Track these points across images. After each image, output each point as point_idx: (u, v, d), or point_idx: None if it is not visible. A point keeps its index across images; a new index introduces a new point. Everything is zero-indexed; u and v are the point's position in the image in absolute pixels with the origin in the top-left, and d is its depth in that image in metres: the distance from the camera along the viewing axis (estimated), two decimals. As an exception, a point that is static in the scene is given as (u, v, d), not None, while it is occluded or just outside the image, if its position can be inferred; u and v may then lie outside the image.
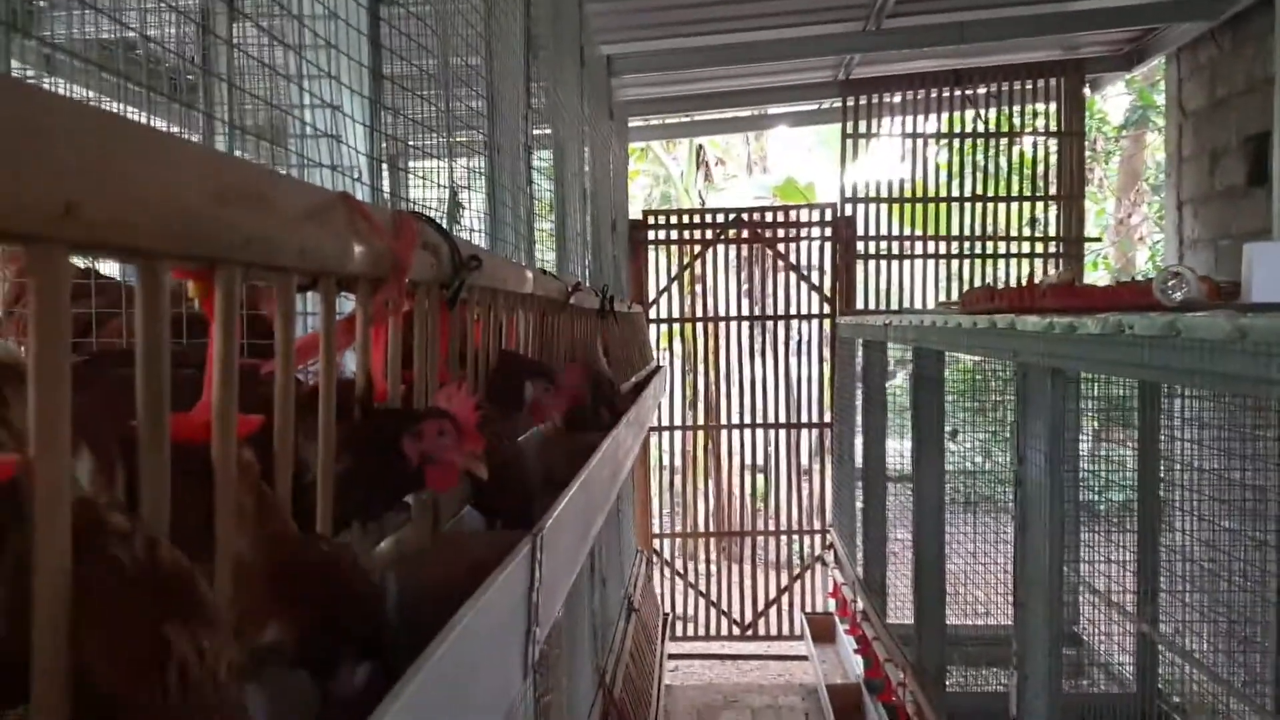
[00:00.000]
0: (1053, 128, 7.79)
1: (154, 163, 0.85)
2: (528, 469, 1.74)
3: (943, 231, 7.97)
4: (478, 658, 1.20)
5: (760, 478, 9.06)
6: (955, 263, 7.98)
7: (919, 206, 8.08)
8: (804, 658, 7.81)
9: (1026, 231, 7.85)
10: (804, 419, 8.57)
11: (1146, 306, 2.61)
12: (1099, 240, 10.66)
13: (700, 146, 13.96)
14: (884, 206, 8.03)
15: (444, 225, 1.85)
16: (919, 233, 8.07)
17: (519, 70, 3.27)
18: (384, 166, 1.80)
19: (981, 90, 7.80)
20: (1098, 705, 5.13)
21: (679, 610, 8.57)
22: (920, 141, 7.97)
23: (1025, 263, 7.82)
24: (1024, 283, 4.28)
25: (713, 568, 8.79)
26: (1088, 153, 15.73)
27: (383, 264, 1.33)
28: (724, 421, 8.75)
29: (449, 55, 2.02)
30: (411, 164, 2.21)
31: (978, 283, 7.66)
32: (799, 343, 8.54)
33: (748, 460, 8.81)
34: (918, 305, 7.76)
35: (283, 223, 1.05)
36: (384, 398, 1.41)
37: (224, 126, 1.58)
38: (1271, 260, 2.32)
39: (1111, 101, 15.15)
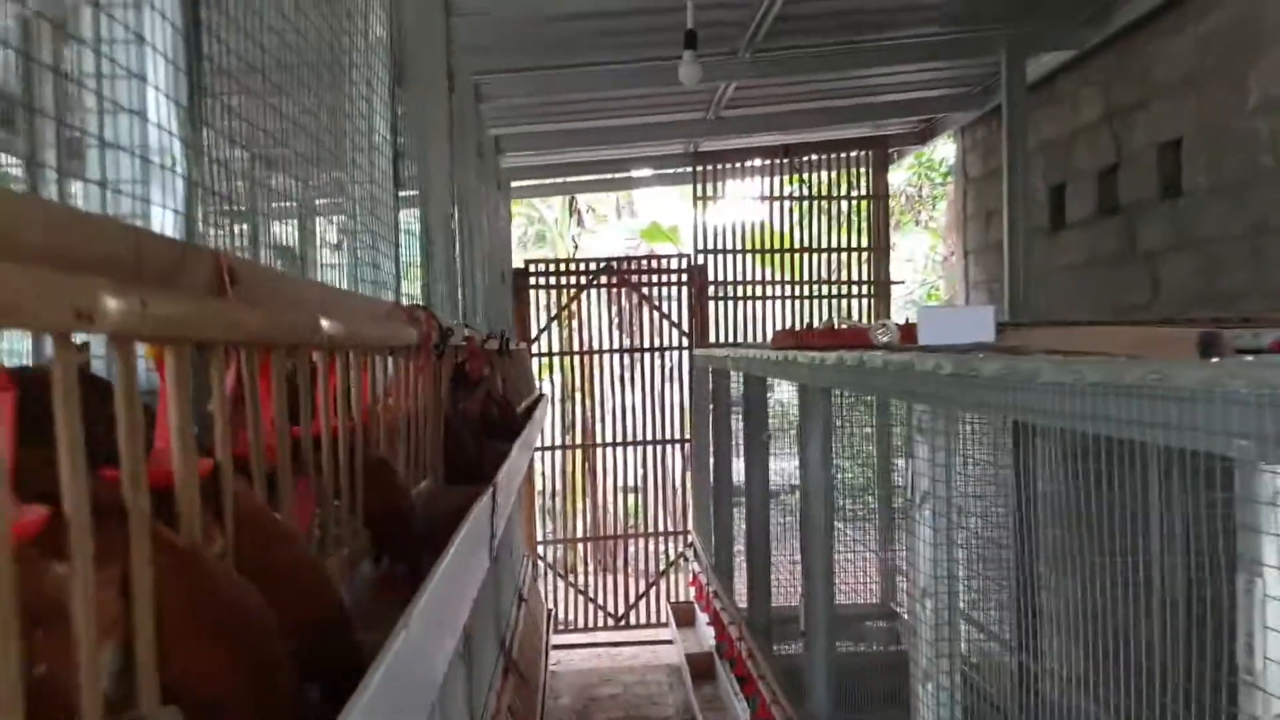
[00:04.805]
0: (863, 191, 9.40)
1: (342, 306, 2.06)
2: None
3: (777, 277, 9.49)
4: (471, 546, 2.43)
5: (632, 490, 10.36)
6: (790, 303, 9.49)
7: (759, 256, 9.59)
8: (670, 642, 9.09)
9: (844, 276, 9.44)
10: (670, 436, 9.93)
11: (868, 346, 3.98)
12: (902, 284, 12.52)
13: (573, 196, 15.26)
14: (730, 256, 9.50)
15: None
16: (758, 278, 9.58)
17: (445, 160, 4.43)
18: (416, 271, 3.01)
19: (806, 159, 9.37)
20: (904, 661, 6.57)
21: (561, 613, 9.71)
22: (758, 201, 9.48)
23: (845, 303, 9.40)
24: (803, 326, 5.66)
25: (591, 578, 10.03)
26: (918, 196, 17.80)
27: (413, 339, 2.55)
28: (598, 441, 10.03)
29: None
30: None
31: (809, 319, 9.18)
32: (666, 371, 9.89)
33: (620, 475, 10.08)
34: (757, 339, 9.22)
35: (374, 323, 2.27)
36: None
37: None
38: (932, 318, 3.70)
39: (940, 149, 17.12)
